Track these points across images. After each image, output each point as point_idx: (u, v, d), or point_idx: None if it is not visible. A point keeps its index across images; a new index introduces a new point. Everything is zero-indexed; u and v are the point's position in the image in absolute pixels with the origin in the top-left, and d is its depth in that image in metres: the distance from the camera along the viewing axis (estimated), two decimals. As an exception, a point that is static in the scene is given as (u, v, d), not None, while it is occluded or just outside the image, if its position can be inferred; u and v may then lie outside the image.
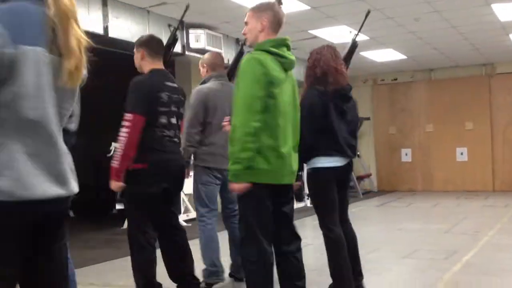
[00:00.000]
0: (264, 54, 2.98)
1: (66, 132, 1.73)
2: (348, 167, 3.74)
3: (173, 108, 3.70)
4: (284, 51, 3.06)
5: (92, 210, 8.95)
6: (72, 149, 1.77)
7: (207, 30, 7.67)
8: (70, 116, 1.78)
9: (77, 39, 1.61)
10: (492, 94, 12.23)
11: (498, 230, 6.85)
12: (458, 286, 4.24)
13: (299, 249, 3.13)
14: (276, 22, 3.07)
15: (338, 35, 8.55)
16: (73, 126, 1.96)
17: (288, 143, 3.04)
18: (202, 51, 7.59)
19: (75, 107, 1.81)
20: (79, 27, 1.63)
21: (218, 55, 4.70)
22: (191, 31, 7.55)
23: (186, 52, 7.69)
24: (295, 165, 3.11)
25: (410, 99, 12.73)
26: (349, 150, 3.67)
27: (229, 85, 4.40)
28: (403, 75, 12.58)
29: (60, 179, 1.60)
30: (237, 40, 8.74)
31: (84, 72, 1.67)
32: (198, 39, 7.58)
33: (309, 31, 8.45)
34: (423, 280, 4.50)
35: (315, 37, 8.71)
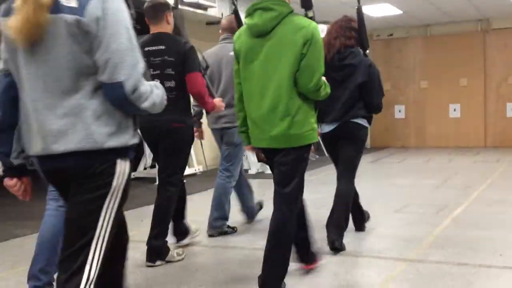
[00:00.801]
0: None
1: None
2: (339, 128, 4.08)
3: (154, 72, 3.72)
4: (252, 18, 2.98)
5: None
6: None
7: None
8: None
9: None
10: (486, 50, 12.20)
11: (489, 185, 6.97)
12: (448, 239, 4.35)
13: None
14: None
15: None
16: None
17: (262, 108, 2.98)
18: (195, 5, 7.51)
19: None
20: None
21: (228, 18, 4.82)
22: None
23: (179, 6, 7.54)
24: (274, 130, 2.96)
25: (405, 55, 12.68)
26: (343, 112, 4.01)
27: (226, 47, 4.55)
28: (398, 31, 12.48)
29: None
30: (232, -6, 8.57)
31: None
32: (189, -8, 7.45)
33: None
34: (413, 234, 4.60)
35: None
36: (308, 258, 3.50)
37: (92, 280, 1.85)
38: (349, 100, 4.05)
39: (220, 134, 4.71)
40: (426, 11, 10.72)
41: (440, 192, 6.55)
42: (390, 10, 10.47)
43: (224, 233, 4.63)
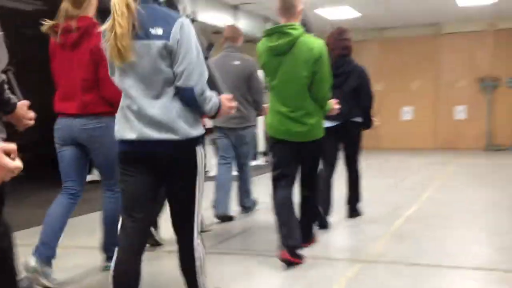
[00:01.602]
0: (261, 41, 3.82)
1: None
2: (340, 126, 4.78)
3: None
4: (271, 40, 3.70)
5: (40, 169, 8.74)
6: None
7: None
8: None
9: None
10: (438, 54, 12.63)
11: (438, 186, 7.27)
12: (402, 237, 4.53)
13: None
14: (281, 7, 3.71)
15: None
16: None
17: (287, 106, 3.76)
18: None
19: None
20: None
21: (231, 28, 5.27)
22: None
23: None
24: (299, 127, 3.75)
25: (362, 58, 12.90)
26: (343, 113, 4.41)
27: (229, 56, 5.07)
28: (356, 34, 12.69)
29: None
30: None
31: None
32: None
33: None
34: (369, 233, 4.78)
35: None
36: (309, 236, 4.18)
37: (198, 235, 2.57)
38: (348, 101, 4.73)
39: (232, 134, 5.25)
40: (382, 15, 11.03)
41: (393, 193, 6.78)
42: (349, 13, 10.70)
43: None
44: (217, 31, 8.87)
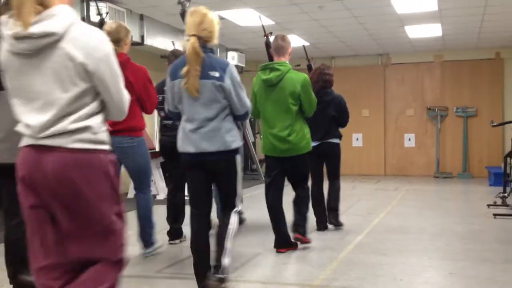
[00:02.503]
0: (257, 75, 4.82)
1: None
2: (321, 146, 5.77)
3: None
4: (265, 74, 4.70)
5: None
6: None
7: (109, 4, 7.38)
8: None
9: None
10: (386, 84, 12.90)
11: (388, 212, 7.28)
12: (351, 265, 4.45)
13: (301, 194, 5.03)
14: (274, 48, 4.78)
15: (244, 18, 8.60)
16: None
17: (275, 128, 4.73)
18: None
19: None
20: None
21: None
22: (91, 3, 7.22)
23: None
24: (283, 145, 4.73)
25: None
26: (323, 135, 5.82)
27: None
28: (305, 62, 12.85)
29: None
30: (141, 16, 8.51)
31: None
32: (99, 11, 7.26)
33: (216, 12, 8.39)
34: (318, 259, 4.69)
35: (222, 18, 8.67)
36: (305, 231, 4.96)
37: (235, 214, 3.56)
38: (326, 126, 5.85)
39: None
40: (332, 44, 11.18)
41: (344, 218, 6.70)
42: (297, 42, 10.80)
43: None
44: (165, 56, 8.84)
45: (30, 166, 2.07)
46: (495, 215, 6.68)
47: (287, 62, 4.75)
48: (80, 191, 2.05)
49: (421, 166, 12.66)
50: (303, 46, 7.16)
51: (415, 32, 10.08)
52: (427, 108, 12.57)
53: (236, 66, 11.33)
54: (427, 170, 12.54)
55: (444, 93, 12.50)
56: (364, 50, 12.16)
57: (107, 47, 2.11)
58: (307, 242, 4.97)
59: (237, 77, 3.43)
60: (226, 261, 3.39)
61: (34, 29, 1.99)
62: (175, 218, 5.22)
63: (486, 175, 11.25)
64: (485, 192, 9.30)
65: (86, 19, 7.28)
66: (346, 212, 7.25)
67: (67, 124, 2.05)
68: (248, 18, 8.59)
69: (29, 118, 2.06)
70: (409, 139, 12.83)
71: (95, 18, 7.28)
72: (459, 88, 12.35)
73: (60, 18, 2.03)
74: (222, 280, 3.37)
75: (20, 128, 2.11)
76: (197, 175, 3.48)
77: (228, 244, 3.40)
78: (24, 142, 2.11)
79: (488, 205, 7.34)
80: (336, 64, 12.96)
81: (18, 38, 2.01)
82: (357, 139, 13.02)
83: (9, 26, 2.03)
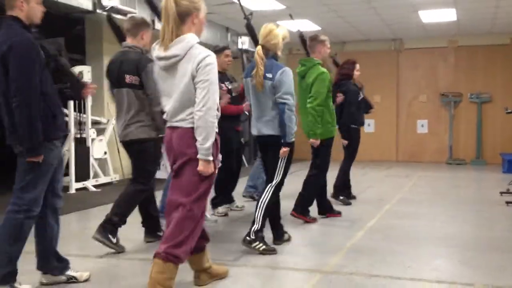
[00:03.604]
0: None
1: None
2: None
3: None
4: (298, 68, 5.51)
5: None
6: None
7: (120, -12, 7.36)
8: None
9: None
10: (399, 69, 12.77)
11: (399, 199, 7.25)
12: (360, 252, 4.44)
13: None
14: (307, 46, 5.63)
15: (255, 2, 8.53)
16: None
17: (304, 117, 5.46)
18: (114, 10, 7.30)
19: None
20: None
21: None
22: (103, -13, 7.21)
23: (98, 10, 7.35)
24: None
25: (323, 70, 12.99)
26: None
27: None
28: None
29: None
30: (152, 1, 8.47)
31: None
32: (111, -3, 7.26)
33: (230, -2, 8.34)
34: (328, 245, 4.68)
35: (232, 2, 8.61)
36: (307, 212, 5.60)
37: (271, 188, 4.44)
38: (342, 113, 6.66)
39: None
40: (343, 28, 11.07)
41: (354, 205, 6.71)
42: (309, 26, 10.71)
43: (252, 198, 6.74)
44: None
45: (167, 138, 3.23)
46: (507, 202, 6.63)
47: (316, 58, 5.42)
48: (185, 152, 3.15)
49: (433, 152, 12.57)
50: (334, 56, 7.36)
51: (429, 16, 9.94)
52: (440, 94, 12.44)
53: (247, 50, 11.27)
54: (439, 156, 12.44)
55: (458, 78, 12.35)
56: (376, 35, 12.03)
57: (209, 61, 3.06)
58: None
59: (287, 80, 4.26)
60: (255, 227, 4.29)
61: (168, 52, 3.09)
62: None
63: (500, 162, 11.13)
64: (498, 179, 9.21)
65: (97, 4, 7.27)
66: (357, 198, 7.22)
67: (183, 113, 3.12)
68: (260, 2, 8.52)
69: (167, 108, 3.20)
70: (422, 125, 12.73)
71: (107, 2, 7.27)
72: (473, 74, 12.21)
73: (183, 44, 3.07)
74: (249, 242, 4.28)
75: (164, 115, 3.26)
76: (262, 152, 4.74)
77: (258, 215, 4.33)
78: (167, 124, 3.24)
79: (501, 193, 7.27)
80: (347, 49, 12.85)
81: (159, 58, 3.15)
82: (369, 125, 12.92)
83: (156, 50, 3.16)
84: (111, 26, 4.72)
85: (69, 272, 3.58)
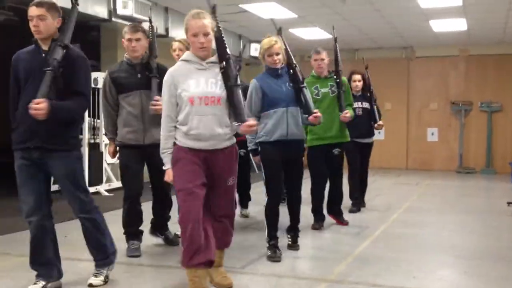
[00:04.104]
0: None
1: None
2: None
3: None
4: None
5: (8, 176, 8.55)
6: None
7: (135, -3, 7.50)
8: None
9: None
10: (410, 77, 12.82)
11: (407, 208, 7.30)
12: (366, 260, 4.51)
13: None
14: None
15: (267, 11, 8.65)
16: None
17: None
18: (129, 19, 7.45)
19: None
20: None
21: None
22: (118, -4, 7.36)
23: (113, 19, 7.51)
24: None
25: (334, 78, 13.04)
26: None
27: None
28: (329, 54, 12.79)
29: None
30: (166, 9, 8.62)
31: None
32: (125, 5, 7.40)
33: (240, 5, 8.46)
34: (334, 254, 4.74)
35: (245, 11, 8.74)
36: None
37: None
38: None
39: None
40: (355, 36, 11.15)
41: (362, 213, 6.77)
42: (321, 34, 10.80)
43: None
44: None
45: None
46: (515, 213, 6.66)
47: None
48: None
49: (443, 160, 12.58)
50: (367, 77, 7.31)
51: (439, 26, 10.00)
52: (451, 103, 12.46)
53: (257, 57, 11.38)
54: (449, 165, 12.46)
55: (469, 87, 12.37)
56: (387, 43, 12.10)
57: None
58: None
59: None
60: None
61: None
62: None
63: (510, 171, 11.12)
64: (507, 189, 9.22)
65: (113, 12, 7.42)
66: (364, 206, 7.27)
67: None
68: (271, 11, 8.64)
69: None
70: (432, 133, 12.75)
71: (121, 11, 7.42)
72: (484, 83, 12.22)
73: None
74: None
75: None
76: None
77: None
78: None
79: (508, 203, 7.30)
80: (359, 56, 12.90)
81: None
82: (379, 132, 12.84)
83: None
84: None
85: None
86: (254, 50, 11.32)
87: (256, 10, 8.70)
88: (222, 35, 3.37)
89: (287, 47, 4.51)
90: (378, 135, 13.34)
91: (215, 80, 3.38)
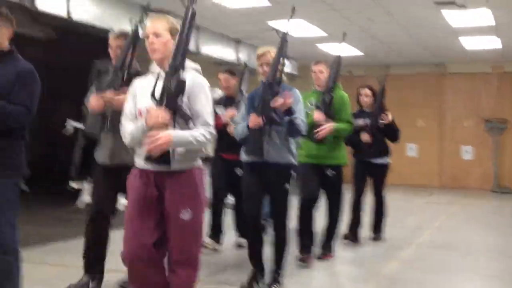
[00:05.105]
0: None
1: None
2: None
3: None
4: None
5: (47, 185, 8.57)
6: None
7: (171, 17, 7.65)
8: None
9: None
10: (443, 93, 12.64)
11: (438, 227, 7.17)
12: (394, 281, 4.45)
13: None
14: None
15: (296, 28, 8.70)
16: None
17: None
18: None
19: None
20: None
21: None
22: (150, 15, 7.50)
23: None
24: None
25: (365, 94, 12.97)
26: None
27: None
28: (358, 69, 12.77)
29: None
30: (197, 27, 8.77)
31: None
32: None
33: (269, 23, 8.53)
34: (361, 274, 4.70)
35: (274, 29, 8.80)
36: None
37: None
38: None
39: None
40: (384, 53, 11.09)
41: (392, 232, 6.65)
42: (351, 51, 10.78)
43: None
44: (219, 63, 9.18)
45: None
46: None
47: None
48: None
49: (478, 179, 12.31)
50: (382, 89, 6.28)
51: (472, 44, 9.86)
52: (485, 120, 12.23)
53: (288, 73, 11.44)
54: (484, 183, 12.17)
55: (503, 105, 12.13)
56: (419, 60, 11.99)
57: None
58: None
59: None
60: None
61: None
62: None
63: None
64: (543, 209, 8.97)
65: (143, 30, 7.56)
66: (394, 225, 7.17)
67: None
68: (300, 28, 8.69)
69: None
70: (466, 151, 12.51)
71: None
72: (519, 101, 11.97)
73: None
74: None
75: None
76: None
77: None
78: None
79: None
80: (390, 72, 12.80)
81: None
82: (411, 149, 12.82)
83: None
84: None
85: None
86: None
87: (287, 28, 8.74)
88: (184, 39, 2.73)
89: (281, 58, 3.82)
90: (410, 151, 13.25)
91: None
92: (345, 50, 10.64)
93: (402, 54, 11.30)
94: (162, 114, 2.64)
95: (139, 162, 2.79)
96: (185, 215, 2.73)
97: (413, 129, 12.51)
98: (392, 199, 7.31)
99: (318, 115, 4.58)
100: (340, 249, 5.51)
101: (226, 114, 5.06)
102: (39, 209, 7.29)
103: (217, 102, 5.21)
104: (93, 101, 3.51)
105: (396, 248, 5.74)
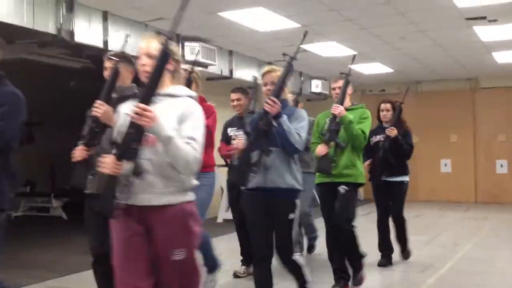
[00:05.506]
0: None
1: None
2: None
3: None
4: None
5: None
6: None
7: (201, 43, 7.91)
8: None
9: None
10: (476, 108, 12.58)
11: (475, 244, 7.14)
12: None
13: None
14: None
15: (328, 49, 8.87)
16: None
17: None
18: (196, 63, 7.86)
19: None
20: None
21: None
22: (186, 44, 7.78)
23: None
24: None
25: (397, 111, 12.98)
26: None
27: None
28: (390, 87, 12.82)
29: None
30: (230, 52, 9.03)
31: None
32: (192, 51, 7.81)
33: (303, 46, 8.72)
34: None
35: (305, 50, 8.98)
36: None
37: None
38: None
39: None
40: (416, 69, 11.15)
41: (427, 249, 6.69)
42: (381, 69, 10.89)
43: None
44: (254, 87, 9.33)
45: None
46: None
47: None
48: None
49: (513, 193, 12.16)
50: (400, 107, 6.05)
51: (504, 57, 9.85)
52: (518, 135, 12.10)
53: (319, 93, 11.62)
54: (521, 198, 12.02)
55: (536, 119, 12.00)
56: (451, 75, 11.99)
57: None
58: None
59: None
60: None
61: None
62: None
63: None
64: None
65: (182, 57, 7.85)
66: (430, 242, 7.21)
67: None
68: (331, 49, 8.86)
69: None
70: (501, 165, 12.38)
71: (189, 57, 7.85)
72: (554, 113, 11.82)
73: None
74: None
75: None
76: None
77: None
78: None
79: None
80: (422, 89, 12.86)
81: None
82: (446, 165, 12.76)
83: None
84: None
85: None
86: (315, 86, 11.56)
87: (317, 49, 8.93)
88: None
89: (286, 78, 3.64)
90: (445, 168, 13.17)
91: (165, 117, 2.41)
92: (376, 68, 10.77)
93: (434, 70, 11.33)
94: (116, 166, 2.36)
95: (120, 195, 2.43)
96: (177, 255, 2.46)
97: (447, 145, 12.47)
98: (426, 216, 7.32)
99: (320, 149, 4.35)
100: (377, 269, 5.56)
101: (234, 143, 4.65)
102: (78, 236, 7.41)
103: (229, 123, 5.26)
104: (77, 153, 3.32)
105: (433, 265, 5.73)
